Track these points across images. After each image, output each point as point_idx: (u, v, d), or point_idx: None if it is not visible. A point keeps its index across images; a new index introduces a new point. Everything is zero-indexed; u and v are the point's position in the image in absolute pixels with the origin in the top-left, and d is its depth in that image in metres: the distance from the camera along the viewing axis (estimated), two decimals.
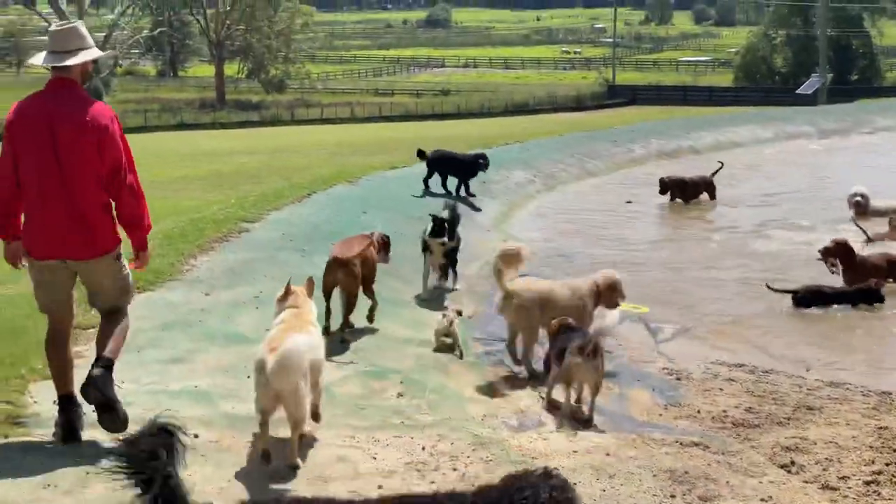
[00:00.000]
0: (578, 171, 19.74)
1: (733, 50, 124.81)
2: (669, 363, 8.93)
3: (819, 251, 12.38)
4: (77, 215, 6.20)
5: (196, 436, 6.40)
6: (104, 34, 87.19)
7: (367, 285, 9.35)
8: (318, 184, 16.28)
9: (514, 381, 8.28)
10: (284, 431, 6.15)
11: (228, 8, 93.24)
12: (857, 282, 11.83)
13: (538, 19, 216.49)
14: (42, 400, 6.90)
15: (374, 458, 6.17)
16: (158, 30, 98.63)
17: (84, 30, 6.51)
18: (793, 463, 6.67)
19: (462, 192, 16.23)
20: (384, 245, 10.01)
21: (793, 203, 17.41)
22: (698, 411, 7.68)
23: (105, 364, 6.25)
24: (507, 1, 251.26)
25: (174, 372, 7.76)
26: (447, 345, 8.86)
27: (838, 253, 12.19)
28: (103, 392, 6.16)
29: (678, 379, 8.47)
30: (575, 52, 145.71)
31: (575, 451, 6.56)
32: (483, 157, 16.43)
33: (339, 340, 8.71)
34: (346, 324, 9.07)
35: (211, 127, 64.28)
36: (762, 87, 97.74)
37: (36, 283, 6.43)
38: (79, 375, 6.41)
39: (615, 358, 8.94)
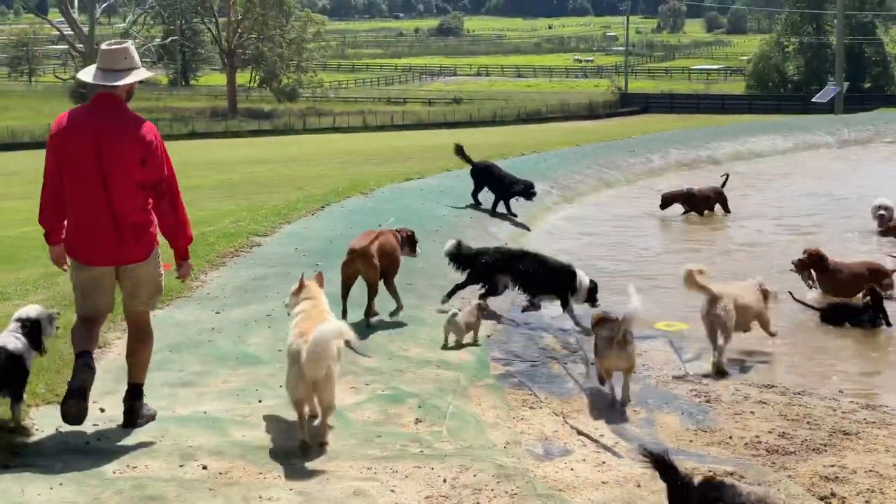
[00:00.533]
0: (596, 182, 19.40)
1: (745, 58, 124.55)
2: (697, 384, 8.58)
3: (792, 263, 12.01)
4: (120, 225, 6.56)
5: (204, 467, 6.10)
6: None
7: (388, 279, 9.73)
8: (332, 196, 16.02)
9: (535, 404, 7.94)
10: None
11: (240, 17, 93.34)
12: (834, 290, 11.64)
13: (550, 27, 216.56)
14: (43, 427, 6.62)
15: (393, 492, 5.83)
16: (170, 38, 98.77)
17: (133, 50, 6.83)
18: (833, 494, 6.31)
19: (501, 209, 16.19)
20: (409, 239, 10.23)
21: (815, 215, 17.06)
22: (730, 437, 7.33)
23: (138, 393, 6.89)
24: (518, 9, 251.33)
25: (182, 396, 7.46)
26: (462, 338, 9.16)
27: (812, 263, 11.86)
28: (137, 420, 6.81)
29: (707, 401, 8.12)
30: (587, 61, 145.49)
31: (604, 483, 6.24)
32: (531, 187, 16.17)
33: (365, 326, 9.23)
34: (371, 311, 9.51)
35: (223, 136, 64.37)
36: (775, 95, 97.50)
37: (80, 287, 6.77)
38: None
39: (641, 380, 8.61)
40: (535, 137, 35.16)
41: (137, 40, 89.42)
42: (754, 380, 8.80)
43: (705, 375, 8.87)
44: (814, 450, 7.08)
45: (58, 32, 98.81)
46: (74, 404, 6.41)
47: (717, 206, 17.52)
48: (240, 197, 18.34)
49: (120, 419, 6.77)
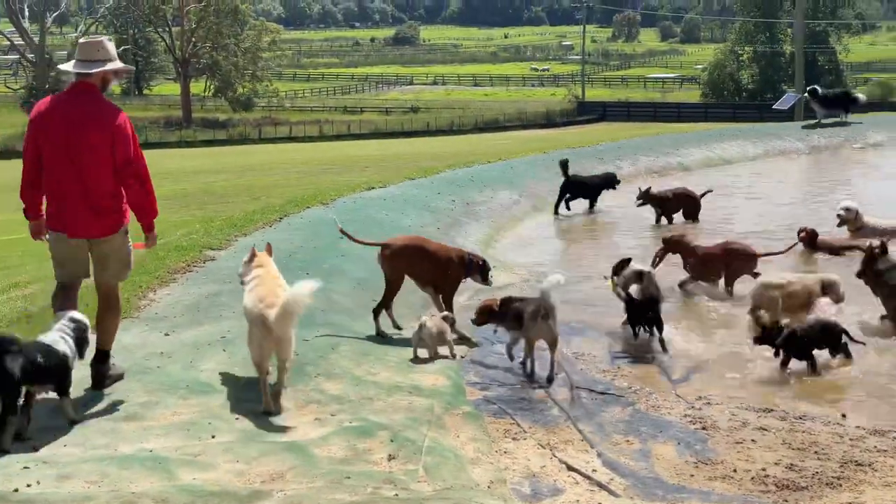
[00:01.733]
0: None
1: (700, 66, 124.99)
2: (691, 409, 7.90)
3: (657, 253, 12.23)
4: (90, 201, 7.28)
5: None
6: (66, 52, 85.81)
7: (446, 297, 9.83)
8: (290, 206, 15.20)
9: (519, 435, 7.22)
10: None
11: (194, 25, 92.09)
12: (700, 273, 11.76)
13: (506, 37, 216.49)
14: None
15: None
16: (122, 48, 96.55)
17: (109, 44, 7.60)
18: None
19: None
20: (480, 267, 9.92)
21: (788, 222, 16.38)
22: (734, 470, 6.65)
23: (104, 358, 7.53)
24: (474, 19, 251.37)
25: (125, 431, 6.68)
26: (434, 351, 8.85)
27: (679, 248, 12.04)
28: (104, 382, 7.49)
29: (704, 428, 7.44)
30: (543, 70, 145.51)
31: None
32: (614, 177, 18.09)
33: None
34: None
35: (177, 146, 63.39)
36: (730, 103, 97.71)
37: (57, 255, 7.52)
38: None
39: (629, 404, 7.95)
40: (495, 146, 34.54)
41: None
42: (749, 402, 8.12)
43: (699, 397, 8.21)
44: (827, 484, 6.42)
45: (8, 42, 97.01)
46: None
47: (680, 213, 16.86)
48: (194, 208, 17.51)
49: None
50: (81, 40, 7.67)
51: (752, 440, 7.20)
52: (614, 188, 17.88)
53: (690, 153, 22.77)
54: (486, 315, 9.12)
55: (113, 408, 7.09)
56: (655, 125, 61.17)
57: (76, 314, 7.14)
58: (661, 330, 9.57)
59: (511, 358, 8.85)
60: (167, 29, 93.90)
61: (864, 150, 26.26)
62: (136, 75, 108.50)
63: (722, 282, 11.83)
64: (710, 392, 8.42)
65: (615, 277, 10.40)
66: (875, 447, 7.12)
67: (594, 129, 72.14)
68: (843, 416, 7.89)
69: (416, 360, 8.69)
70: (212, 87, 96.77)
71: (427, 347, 8.78)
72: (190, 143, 70.06)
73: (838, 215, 15.17)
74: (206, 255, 11.95)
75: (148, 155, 7.93)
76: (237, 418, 7.01)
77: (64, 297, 7.50)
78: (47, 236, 7.52)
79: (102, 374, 7.43)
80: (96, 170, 7.24)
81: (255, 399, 7.31)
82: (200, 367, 7.95)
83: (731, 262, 11.76)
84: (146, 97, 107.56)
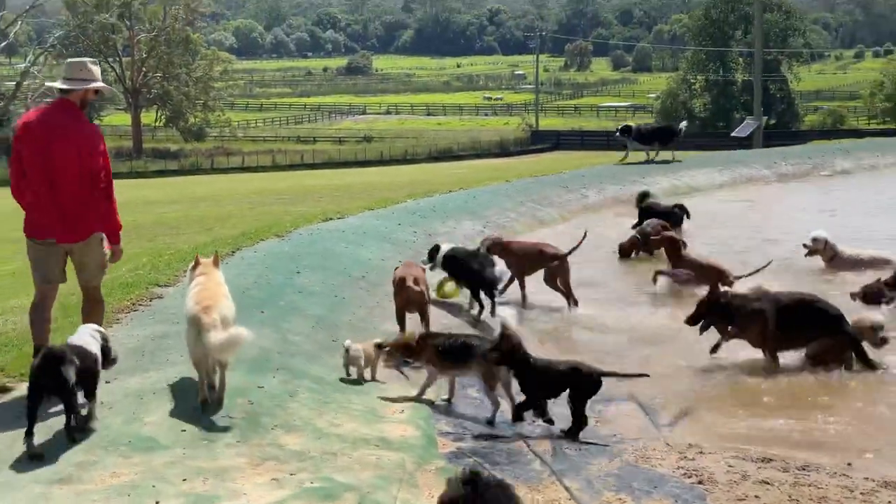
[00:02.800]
0: (530, 220, 18.02)
1: (652, 95, 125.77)
2: (683, 459, 7.24)
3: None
4: (63, 208, 7.90)
5: None
6: (14, 83, 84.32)
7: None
8: (243, 239, 14.40)
9: None
10: None
11: (145, 55, 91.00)
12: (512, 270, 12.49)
13: (458, 66, 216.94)
14: None
15: None
16: None
17: (92, 66, 8.23)
18: None
19: None
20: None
21: (759, 252, 15.84)
22: None
23: None
24: (427, 49, 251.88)
25: (58, 498, 5.91)
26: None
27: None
28: None
29: (700, 482, 6.78)
30: (496, 99, 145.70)
31: None
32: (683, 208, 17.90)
33: None
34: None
35: (128, 176, 62.23)
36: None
37: (33, 259, 8.14)
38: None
39: (617, 454, 7.28)
40: (452, 174, 33.87)
41: (38, 80, 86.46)
42: (746, 450, 7.49)
43: (690, 445, 7.56)
44: None
45: None
46: None
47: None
48: (145, 240, 16.65)
49: None
50: (69, 60, 8.39)
51: (756, 496, 6.56)
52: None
53: (657, 181, 22.21)
54: (400, 351, 8.66)
55: (44, 470, 6.30)
56: (610, 153, 61.02)
57: (100, 327, 7.64)
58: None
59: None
60: (117, 59, 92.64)
61: (831, 178, 25.99)
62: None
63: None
64: (701, 438, 7.79)
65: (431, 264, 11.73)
66: (889, 503, 6.51)
67: (549, 157, 72.03)
68: (849, 464, 7.29)
69: (348, 377, 8.74)
70: (163, 117, 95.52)
71: (357, 367, 8.73)
72: (141, 173, 68.88)
73: (805, 245, 14.70)
74: (152, 293, 11.15)
75: None
76: (185, 479, 6.25)
77: (38, 312, 8.10)
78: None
79: None
80: (68, 179, 7.86)
81: (204, 456, 6.56)
82: (144, 419, 7.16)
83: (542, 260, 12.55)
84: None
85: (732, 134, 44.09)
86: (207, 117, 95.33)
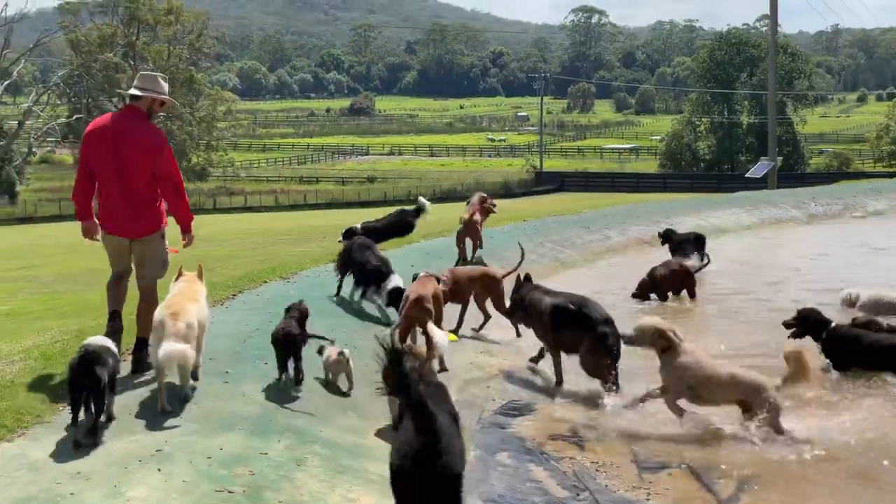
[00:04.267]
0: (551, 261, 17.03)
1: (656, 137, 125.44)
2: None
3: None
4: (130, 206, 8.58)
5: None
6: (17, 122, 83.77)
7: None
8: (245, 281, 13.40)
9: None
10: None
11: None
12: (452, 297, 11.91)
13: (461, 107, 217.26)
14: None
15: None
16: (75, 116, 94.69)
17: (162, 81, 8.93)
18: None
19: None
20: None
21: (791, 298, 14.81)
22: None
23: (144, 345, 8.58)
24: (429, 90, 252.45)
25: None
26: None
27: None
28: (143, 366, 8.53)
29: None
30: (500, 140, 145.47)
31: None
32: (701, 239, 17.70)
33: None
34: None
35: None
36: (688, 173, 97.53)
37: (108, 250, 8.92)
38: None
39: None
40: (457, 214, 32.94)
41: (41, 119, 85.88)
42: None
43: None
44: None
45: None
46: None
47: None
48: None
49: None
50: (141, 72, 9.20)
51: None
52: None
53: (682, 222, 21.20)
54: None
55: None
56: (614, 195, 60.45)
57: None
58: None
59: None
60: (121, 97, 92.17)
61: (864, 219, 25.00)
62: None
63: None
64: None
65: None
66: None
67: (554, 198, 71.27)
68: None
69: (327, 381, 8.85)
70: None
71: (333, 374, 8.85)
72: None
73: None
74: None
75: None
76: None
77: (116, 292, 8.83)
78: (99, 236, 8.81)
79: (142, 360, 8.52)
80: (136, 180, 8.51)
81: None
82: (127, 493, 6.11)
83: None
84: None
85: (747, 175, 43.27)
86: (210, 157, 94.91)
